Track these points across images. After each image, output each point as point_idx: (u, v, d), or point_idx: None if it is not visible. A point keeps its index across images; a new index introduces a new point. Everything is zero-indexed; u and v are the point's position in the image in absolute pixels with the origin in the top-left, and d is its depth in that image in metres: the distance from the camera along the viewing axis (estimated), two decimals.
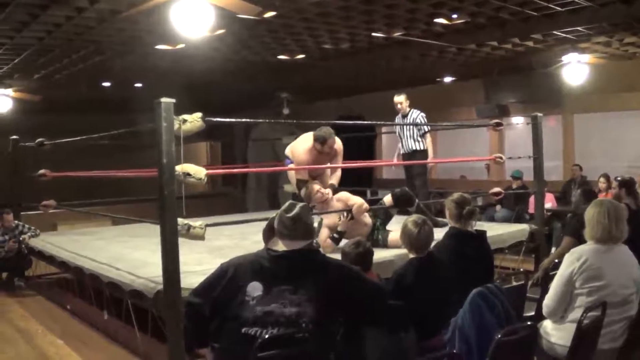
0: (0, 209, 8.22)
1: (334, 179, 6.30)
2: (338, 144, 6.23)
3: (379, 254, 5.36)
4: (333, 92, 13.17)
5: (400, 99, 7.66)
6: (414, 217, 3.97)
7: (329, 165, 6.27)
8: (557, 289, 3.53)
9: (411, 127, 7.66)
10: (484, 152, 11.71)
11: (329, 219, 5.73)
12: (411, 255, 3.85)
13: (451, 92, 12.50)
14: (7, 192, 8.79)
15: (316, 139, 6.03)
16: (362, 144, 12.49)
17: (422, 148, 7.64)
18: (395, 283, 3.63)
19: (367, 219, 5.85)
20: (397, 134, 7.85)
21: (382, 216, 5.96)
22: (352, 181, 7.59)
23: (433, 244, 3.94)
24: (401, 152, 7.90)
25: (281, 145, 12.89)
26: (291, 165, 6.27)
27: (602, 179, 8.88)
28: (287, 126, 12.20)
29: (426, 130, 7.62)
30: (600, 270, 3.44)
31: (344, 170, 6.69)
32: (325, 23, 7.49)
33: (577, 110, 11.02)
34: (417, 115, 7.67)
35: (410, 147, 7.68)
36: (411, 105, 7.91)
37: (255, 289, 2.67)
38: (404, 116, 7.75)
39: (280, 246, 2.81)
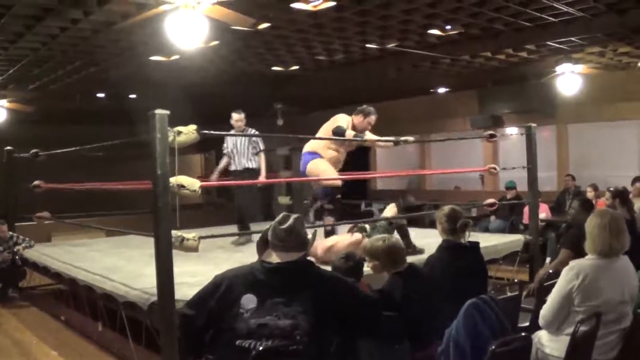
0: None
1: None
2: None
3: None
4: (327, 103, 13.19)
5: (242, 117, 7.70)
6: (375, 236, 4.04)
7: (329, 177, 6.30)
8: (555, 302, 3.49)
9: (245, 145, 7.78)
10: (478, 162, 11.71)
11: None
12: (390, 272, 3.75)
13: (445, 103, 12.53)
14: (1, 203, 8.76)
15: (361, 112, 6.36)
16: (356, 155, 12.46)
17: (253, 166, 7.79)
18: (383, 300, 3.56)
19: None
20: (230, 151, 7.88)
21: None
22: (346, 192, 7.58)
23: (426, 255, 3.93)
24: (231, 169, 7.93)
25: (275, 156, 12.91)
26: (315, 160, 6.39)
27: (589, 189, 8.89)
28: (282, 137, 12.19)
29: (261, 148, 7.81)
30: (600, 289, 3.39)
31: None
32: (319, 34, 7.53)
33: (571, 120, 11.07)
34: (252, 133, 7.84)
35: (243, 164, 7.79)
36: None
37: (249, 301, 2.66)
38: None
39: (274, 258, 2.80)
